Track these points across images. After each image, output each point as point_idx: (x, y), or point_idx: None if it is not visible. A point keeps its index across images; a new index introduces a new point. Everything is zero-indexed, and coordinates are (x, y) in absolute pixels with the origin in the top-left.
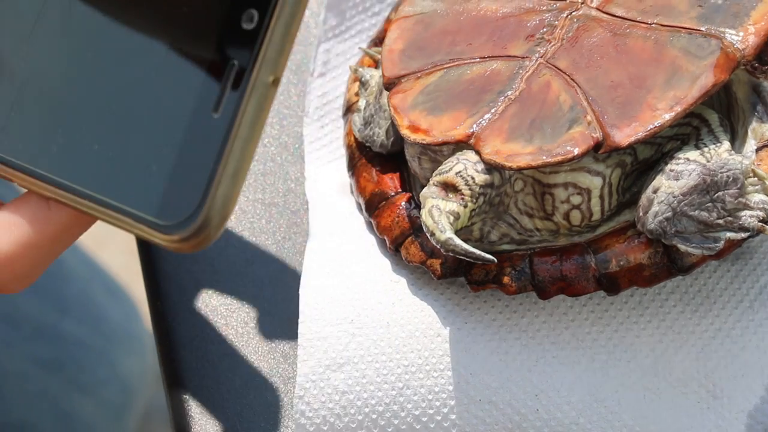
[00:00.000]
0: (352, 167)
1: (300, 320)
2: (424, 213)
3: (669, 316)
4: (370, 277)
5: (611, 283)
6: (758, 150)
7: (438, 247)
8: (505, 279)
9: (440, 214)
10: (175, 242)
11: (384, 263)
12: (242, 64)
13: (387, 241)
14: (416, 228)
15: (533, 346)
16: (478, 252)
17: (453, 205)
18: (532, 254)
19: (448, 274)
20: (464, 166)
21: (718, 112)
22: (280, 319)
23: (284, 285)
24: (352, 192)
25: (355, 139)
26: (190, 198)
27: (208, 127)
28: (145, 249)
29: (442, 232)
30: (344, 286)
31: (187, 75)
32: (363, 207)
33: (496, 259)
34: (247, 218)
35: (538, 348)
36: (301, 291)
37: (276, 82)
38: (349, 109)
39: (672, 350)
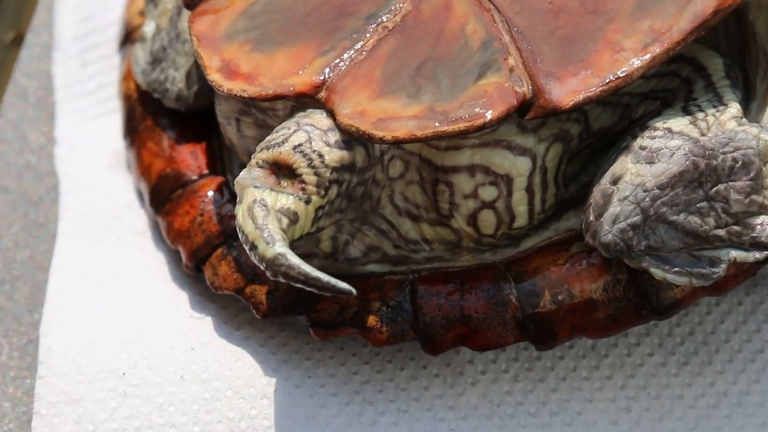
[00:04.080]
0: (132, 131)
1: (39, 374)
2: (240, 212)
3: (642, 370)
4: (157, 310)
5: (543, 331)
6: None
7: (262, 267)
8: (372, 320)
9: (266, 215)
10: None
11: (178, 290)
12: None
13: (183, 254)
14: (230, 234)
15: (418, 413)
16: (325, 277)
17: (288, 198)
18: (415, 280)
19: (279, 310)
20: (307, 136)
21: (725, 55)
22: (8, 370)
23: (15, 319)
24: (130, 169)
25: (137, 85)
26: None
27: None
28: None
29: (268, 243)
30: (113, 323)
31: None
32: (146, 196)
33: (354, 291)
34: None
35: (426, 415)
36: (42, 329)
37: (19, 41)
38: (128, 36)
39: (647, 424)
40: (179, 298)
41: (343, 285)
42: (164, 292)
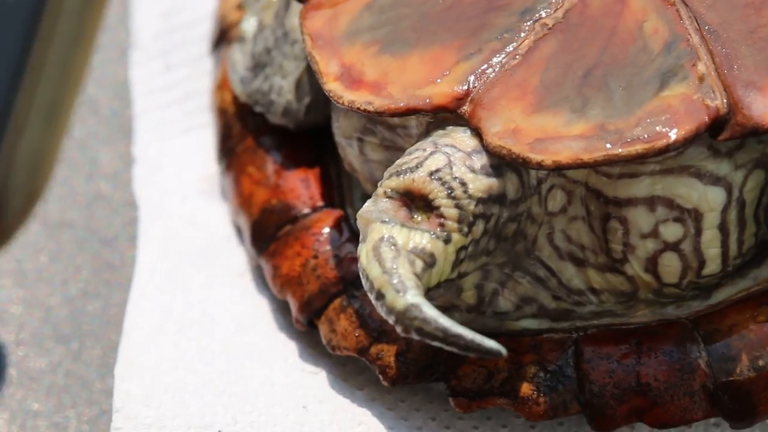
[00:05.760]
0: (228, 153)
1: (114, 425)
2: (364, 252)
3: None
4: (261, 359)
5: (740, 404)
6: None
7: (391, 321)
8: (526, 388)
9: (396, 256)
10: None
11: (287, 339)
12: None
13: (292, 305)
14: (351, 281)
15: None
16: (470, 334)
17: (423, 236)
18: (580, 340)
19: (411, 375)
20: (447, 160)
21: None
22: None
23: (85, 385)
24: (226, 198)
25: (235, 96)
26: None
27: None
28: None
29: (398, 291)
30: (206, 370)
31: None
32: (247, 233)
33: (505, 351)
34: (12, 254)
35: None
36: (117, 372)
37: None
38: (223, 35)
39: None
40: (288, 348)
41: (491, 343)
42: (271, 341)
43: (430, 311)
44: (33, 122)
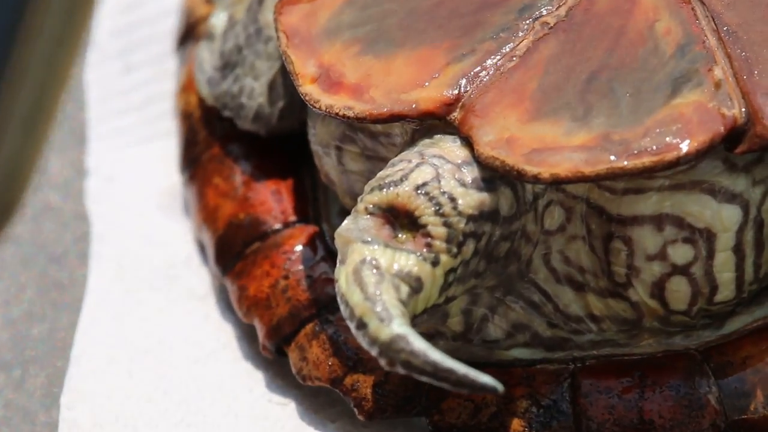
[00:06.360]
0: (192, 162)
1: None
2: (343, 276)
3: None
4: (223, 389)
5: None
6: None
7: (374, 353)
8: (517, 425)
9: (380, 281)
10: None
11: (252, 369)
12: None
13: (259, 331)
14: (325, 305)
15: None
16: (462, 368)
17: (408, 258)
18: (577, 372)
19: (390, 409)
20: (435, 173)
21: None
22: None
23: (27, 416)
24: (188, 213)
25: (201, 99)
26: None
27: None
28: None
29: (382, 320)
30: (162, 400)
31: None
32: (211, 250)
33: (501, 387)
34: None
35: None
36: (63, 400)
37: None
38: (189, 31)
39: None
40: (254, 378)
41: (485, 379)
42: (234, 370)
43: (419, 343)
44: (12, 127)
